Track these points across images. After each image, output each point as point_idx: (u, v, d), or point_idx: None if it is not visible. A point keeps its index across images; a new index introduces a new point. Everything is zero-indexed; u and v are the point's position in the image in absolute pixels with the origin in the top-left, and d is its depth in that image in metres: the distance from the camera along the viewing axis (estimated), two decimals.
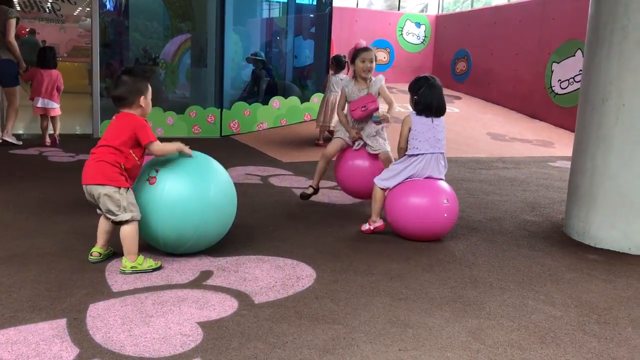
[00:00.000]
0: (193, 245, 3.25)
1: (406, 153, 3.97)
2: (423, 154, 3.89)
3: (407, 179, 3.92)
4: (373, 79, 4.56)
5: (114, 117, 3.22)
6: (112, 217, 3.05)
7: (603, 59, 3.98)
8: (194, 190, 3.12)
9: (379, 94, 4.52)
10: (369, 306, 2.78)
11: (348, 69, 7.48)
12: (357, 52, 4.59)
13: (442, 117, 4.00)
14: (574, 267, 3.53)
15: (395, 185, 3.95)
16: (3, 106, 7.59)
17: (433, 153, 3.91)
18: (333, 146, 4.71)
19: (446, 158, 4.02)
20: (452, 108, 11.37)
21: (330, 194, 5.21)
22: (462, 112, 11.22)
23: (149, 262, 3.11)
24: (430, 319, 2.67)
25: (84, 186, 3.08)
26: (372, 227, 4.05)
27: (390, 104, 4.51)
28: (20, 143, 7.10)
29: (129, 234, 3.07)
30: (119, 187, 3.02)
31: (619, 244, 3.89)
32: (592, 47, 4.12)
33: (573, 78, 10.21)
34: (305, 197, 4.78)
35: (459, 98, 12.45)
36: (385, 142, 4.52)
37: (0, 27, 6.61)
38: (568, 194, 4.39)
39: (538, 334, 2.56)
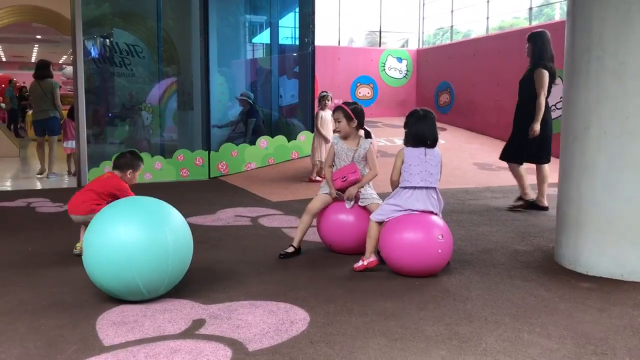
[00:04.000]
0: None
1: (399, 186, 4.00)
2: (414, 187, 3.93)
3: (400, 211, 3.93)
4: (362, 140, 4.45)
5: (107, 173, 4.41)
6: None
7: (582, 88, 4.06)
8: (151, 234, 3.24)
9: (365, 157, 4.43)
10: (365, 349, 2.75)
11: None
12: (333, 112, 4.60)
13: (436, 151, 4.04)
14: (568, 297, 3.53)
15: (389, 220, 3.95)
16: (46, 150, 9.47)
17: (424, 187, 3.93)
18: (317, 201, 4.48)
19: (439, 192, 4.04)
20: (439, 140, 11.45)
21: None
22: (448, 143, 11.32)
23: None
24: (427, 359, 2.64)
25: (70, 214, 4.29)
26: (365, 263, 4.03)
27: (372, 168, 4.38)
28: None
29: None
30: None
31: (611, 270, 3.90)
32: (571, 77, 4.20)
33: (554, 105, 10.37)
34: (284, 256, 4.38)
35: (444, 129, 12.57)
36: (373, 193, 4.41)
37: (49, 95, 9.02)
38: (557, 223, 4.41)
39: None
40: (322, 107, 8.45)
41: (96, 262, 3.23)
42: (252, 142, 9.51)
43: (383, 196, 4.29)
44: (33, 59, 21.40)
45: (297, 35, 10.97)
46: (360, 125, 4.46)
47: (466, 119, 12.93)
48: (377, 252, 4.07)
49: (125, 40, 9.36)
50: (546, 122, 6.21)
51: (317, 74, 10.97)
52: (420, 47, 15.60)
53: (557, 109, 10.15)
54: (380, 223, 4.03)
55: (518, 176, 6.43)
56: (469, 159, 10.16)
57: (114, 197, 4.14)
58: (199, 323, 3.04)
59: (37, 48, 19.94)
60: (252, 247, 4.72)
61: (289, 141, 9.87)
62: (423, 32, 16.08)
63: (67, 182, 8.75)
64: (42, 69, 9.05)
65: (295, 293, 3.53)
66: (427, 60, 14.50)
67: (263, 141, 9.57)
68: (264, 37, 11.47)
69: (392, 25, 16.33)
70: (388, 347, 2.77)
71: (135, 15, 9.95)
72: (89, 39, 8.90)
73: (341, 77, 14.01)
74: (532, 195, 6.40)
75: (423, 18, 16.08)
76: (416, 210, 3.92)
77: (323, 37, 14.23)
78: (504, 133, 11.74)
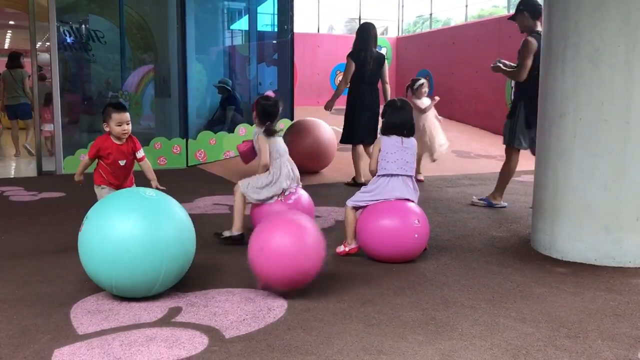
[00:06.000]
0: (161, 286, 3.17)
1: (377, 174, 4.04)
2: (391, 174, 3.96)
3: (377, 200, 3.95)
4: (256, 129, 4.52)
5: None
6: None
7: (558, 75, 4.09)
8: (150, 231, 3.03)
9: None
10: (342, 334, 2.76)
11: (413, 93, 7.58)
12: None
13: (413, 140, 4.09)
14: (543, 282, 3.57)
15: (367, 207, 3.98)
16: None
17: (401, 175, 3.97)
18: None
19: (414, 181, 4.07)
20: (417, 128, 11.49)
21: None
22: None
23: None
24: (403, 344, 2.65)
25: None
26: (347, 249, 4.07)
27: (260, 157, 4.46)
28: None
29: None
30: (95, 184, 4.17)
31: (585, 255, 3.95)
32: (547, 64, 4.23)
33: None
34: (223, 239, 4.43)
35: None
36: (255, 182, 4.45)
37: (20, 84, 10.16)
38: (533, 209, 4.45)
39: (511, 352, 2.57)
40: (418, 95, 7.64)
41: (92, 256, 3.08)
42: (231, 130, 9.43)
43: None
44: (6, 46, 20.96)
45: (276, 22, 10.88)
46: (262, 122, 4.43)
47: (445, 107, 12.93)
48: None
49: (100, 27, 9.20)
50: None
51: (297, 62, 10.90)
52: (400, 35, 15.60)
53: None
54: (357, 209, 4.05)
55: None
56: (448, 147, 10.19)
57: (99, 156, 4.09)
58: (176, 311, 3.02)
59: (10, 34, 19.55)
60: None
61: None
62: (403, 20, 16.09)
63: (33, 168, 8.47)
64: (14, 60, 10.33)
65: None
66: (406, 48, 14.51)
67: (242, 129, 9.50)
68: (242, 23, 11.37)
69: (372, 12, 16.30)
70: (365, 332, 2.78)
71: (110, 1, 9.77)
72: (63, 25, 8.72)
73: (321, 65, 13.96)
74: None
75: (402, 6, 16.08)
76: (391, 195, 3.94)
77: (302, 24, 14.18)
78: (483, 121, 11.86)
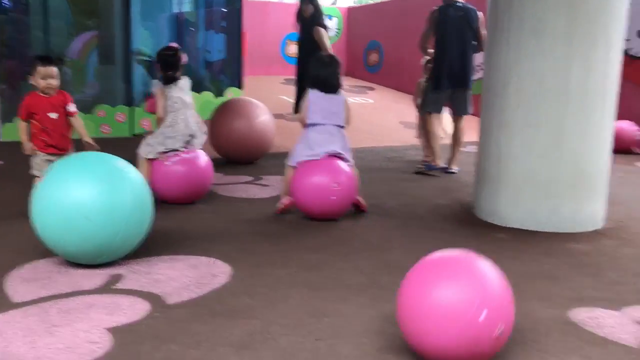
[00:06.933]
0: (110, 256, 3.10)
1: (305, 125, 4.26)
2: (315, 124, 4.16)
3: (308, 156, 4.10)
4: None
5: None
6: None
7: (503, 46, 4.14)
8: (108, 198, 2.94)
9: None
10: (287, 299, 2.77)
11: None
12: None
13: (340, 96, 4.28)
14: (484, 247, 3.65)
15: (298, 165, 4.15)
16: None
17: (326, 124, 4.16)
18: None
19: (347, 138, 4.25)
20: (366, 99, 11.55)
21: (249, 189, 5.14)
22: (376, 102, 11.41)
23: None
24: (346, 307, 2.69)
25: None
26: (282, 206, 4.26)
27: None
28: None
29: None
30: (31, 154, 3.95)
31: (525, 222, 4.07)
32: (493, 35, 4.28)
33: (480, 66, 10.62)
34: None
35: (372, 89, 12.65)
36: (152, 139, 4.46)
37: None
38: (476, 177, 4.55)
39: None
40: None
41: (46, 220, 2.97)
42: None
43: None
44: None
45: None
46: (164, 73, 4.50)
47: (395, 78, 13.04)
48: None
49: None
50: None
51: (246, 30, 10.70)
52: (351, 4, 15.51)
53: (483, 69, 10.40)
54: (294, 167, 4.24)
55: None
56: (396, 118, 10.29)
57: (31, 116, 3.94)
58: (117, 278, 2.96)
59: None
60: (174, 204, 4.60)
61: (216, 97, 9.65)
62: None
63: None
64: None
65: (219, 247, 3.49)
66: (357, 19, 14.44)
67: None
68: None
69: None
70: (309, 296, 2.80)
71: None
72: None
73: (271, 34, 13.74)
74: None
75: None
76: (321, 150, 4.10)
77: None
78: None
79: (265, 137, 6.33)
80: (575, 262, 3.44)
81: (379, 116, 10.21)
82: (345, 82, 13.08)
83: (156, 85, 4.50)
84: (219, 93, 9.81)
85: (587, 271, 3.29)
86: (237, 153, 6.20)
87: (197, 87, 9.64)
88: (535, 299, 2.84)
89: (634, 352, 2.37)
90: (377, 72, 13.61)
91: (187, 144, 4.44)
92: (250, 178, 5.52)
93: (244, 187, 5.20)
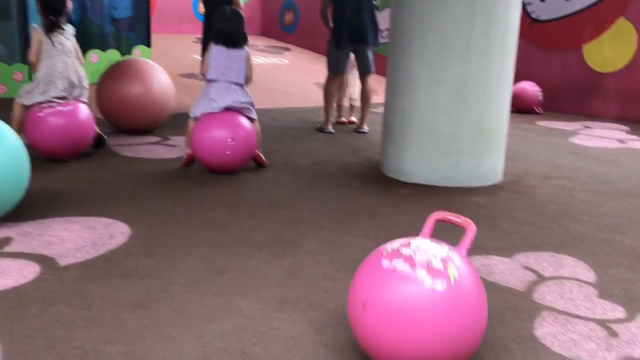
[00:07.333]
0: None
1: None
2: (212, 80, 4.17)
3: (207, 110, 4.11)
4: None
5: None
6: None
7: (407, 4, 4.17)
8: None
9: None
10: (187, 257, 2.71)
11: None
12: None
13: (242, 52, 4.24)
14: (388, 202, 3.75)
15: (199, 118, 4.15)
16: None
17: (223, 81, 4.16)
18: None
19: (249, 94, 4.27)
20: (282, 59, 11.42)
21: (154, 149, 4.98)
22: (291, 63, 11.30)
23: None
24: (248, 262, 2.67)
25: None
26: (185, 157, 4.35)
27: None
28: None
29: None
30: None
31: (428, 177, 4.19)
32: None
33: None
34: None
35: (288, 49, 12.51)
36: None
37: None
38: (382, 135, 4.62)
39: (350, 265, 2.67)
40: None
41: None
42: None
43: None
44: None
45: None
46: (46, 17, 4.33)
47: (310, 39, 12.92)
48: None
49: None
50: None
51: None
52: None
53: None
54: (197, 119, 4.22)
55: None
56: (311, 79, 10.24)
57: None
58: (5, 241, 2.79)
59: None
60: (75, 163, 4.39)
61: (122, 55, 9.22)
62: None
63: None
64: None
65: (118, 208, 3.37)
66: None
67: (93, 55, 8.84)
68: None
69: None
70: (210, 254, 2.76)
71: None
72: None
73: None
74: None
75: None
76: (218, 104, 4.11)
77: None
78: None
79: (163, 105, 5.52)
80: (473, 214, 3.56)
81: (293, 77, 10.13)
82: (261, 42, 12.90)
83: (35, 29, 4.27)
84: (126, 51, 9.37)
85: (483, 222, 3.42)
86: (130, 123, 5.41)
87: (102, 45, 9.20)
88: None
89: (520, 294, 2.50)
90: (292, 32, 13.45)
91: (68, 94, 4.27)
92: (157, 139, 5.35)
93: (149, 148, 5.03)
